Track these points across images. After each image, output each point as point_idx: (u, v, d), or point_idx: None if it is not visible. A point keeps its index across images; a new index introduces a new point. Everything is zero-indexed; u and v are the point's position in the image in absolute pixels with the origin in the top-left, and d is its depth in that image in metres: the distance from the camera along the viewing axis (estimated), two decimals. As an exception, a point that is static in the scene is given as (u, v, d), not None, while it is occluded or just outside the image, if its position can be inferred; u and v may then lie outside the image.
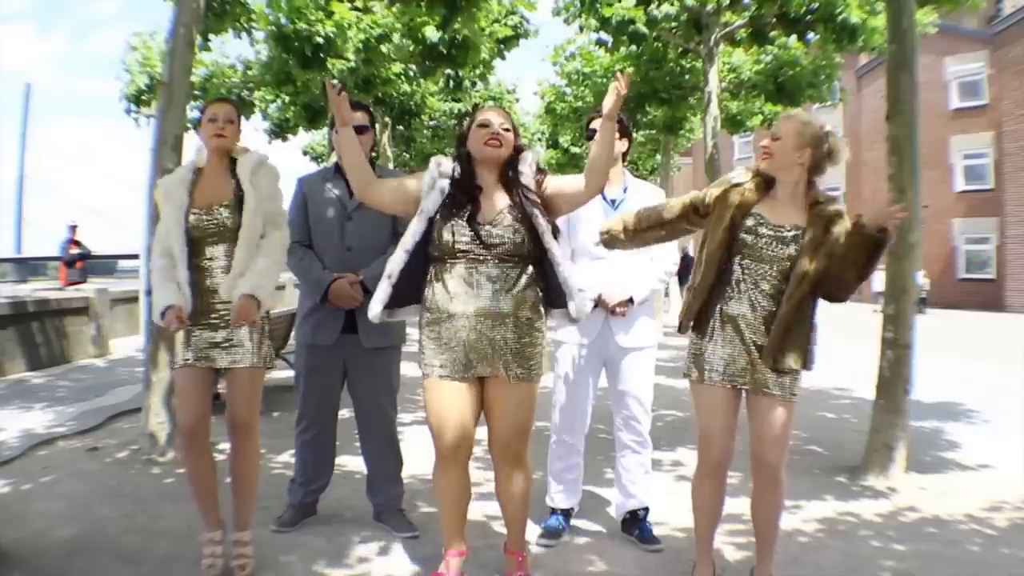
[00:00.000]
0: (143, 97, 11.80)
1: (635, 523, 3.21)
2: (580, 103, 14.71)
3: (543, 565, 2.92)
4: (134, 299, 10.79)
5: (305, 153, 23.29)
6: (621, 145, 3.21)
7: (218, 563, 2.72)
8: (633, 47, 9.90)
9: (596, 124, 2.56)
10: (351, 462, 4.04)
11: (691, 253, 9.08)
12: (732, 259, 2.53)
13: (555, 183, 2.59)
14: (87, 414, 5.70)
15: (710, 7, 9.27)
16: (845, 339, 10.19)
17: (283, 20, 8.66)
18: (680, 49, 10.94)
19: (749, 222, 2.51)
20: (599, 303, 3.11)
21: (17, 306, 8.21)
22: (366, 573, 2.87)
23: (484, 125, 2.55)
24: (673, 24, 9.40)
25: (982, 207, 22.53)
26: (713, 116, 9.74)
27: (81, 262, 13.87)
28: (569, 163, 18.81)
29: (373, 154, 3.35)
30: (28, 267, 27.30)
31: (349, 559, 2.97)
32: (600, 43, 10.20)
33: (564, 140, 18.42)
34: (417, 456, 3.70)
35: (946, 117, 23.05)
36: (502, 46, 10.10)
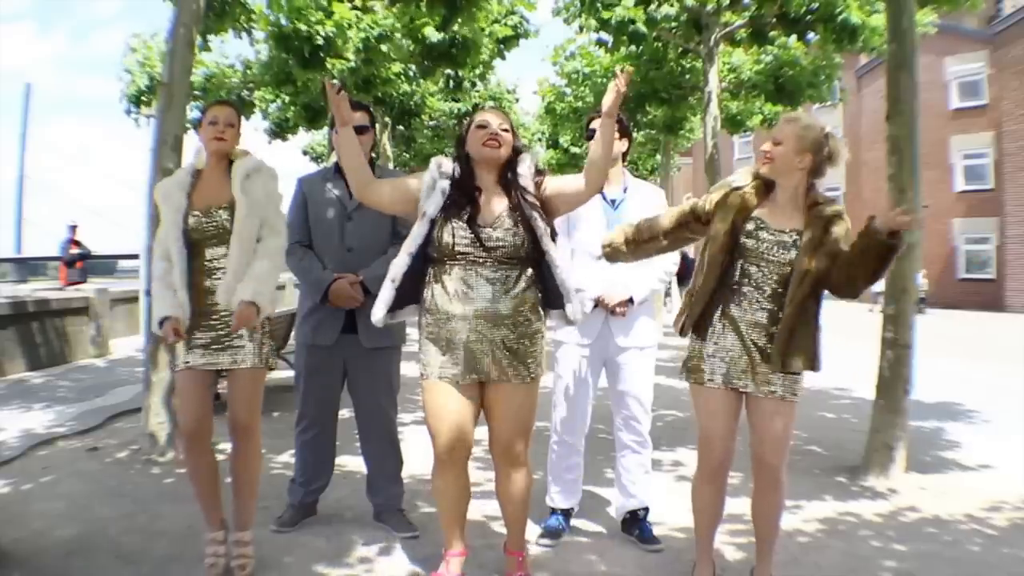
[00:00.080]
0: (143, 97, 11.81)
1: (635, 523, 3.21)
2: (580, 103, 14.72)
3: (543, 565, 2.92)
4: (134, 299, 10.79)
5: (305, 153, 23.31)
6: (621, 145, 3.21)
7: (220, 563, 2.72)
8: (633, 47, 9.91)
9: (596, 124, 2.56)
10: (351, 462, 4.04)
11: (691, 255, 9.08)
12: (734, 263, 2.53)
13: (554, 183, 2.59)
14: (87, 414, 5.70)
15: (710, 7, 9.28)
16: (845, 339, 10.19)
17: (283, 20, 8.66)
18: (680, 49, 10.94)
19: (749, 226, 2.51)
20: (599, 303, 3.11)
21: (17, 306, 8.21)
22: (366, 573, 2.87)
23: (482, 126, 2.55)
24: (673, 24, 9.40)
25: (982, 207, 22.53)
26: (713, 116, 9.74)
27: (81, 262, 13.88)
28: (569, 163, 18.81)
29: (373, 154, 3.35)
30: (28, 267, 27.30)
31: (349, 559, 2.97)
32: (600, 43, 10.20)
33: (564, 140, 18.43)
34: (417, 456, 3.70)
35: (946, 117, 23.05)
36: (502, 46, 10.11)
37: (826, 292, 2.52)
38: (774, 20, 9.16)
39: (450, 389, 2.49)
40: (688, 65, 11.52)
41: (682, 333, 2.61)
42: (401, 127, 16.84)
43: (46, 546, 3.04)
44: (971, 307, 21.47)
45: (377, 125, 3.66)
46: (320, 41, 8.67)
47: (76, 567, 2.84)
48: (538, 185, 2.57)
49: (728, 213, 2.52)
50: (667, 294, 15.19)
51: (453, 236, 2.46)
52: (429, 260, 2.53)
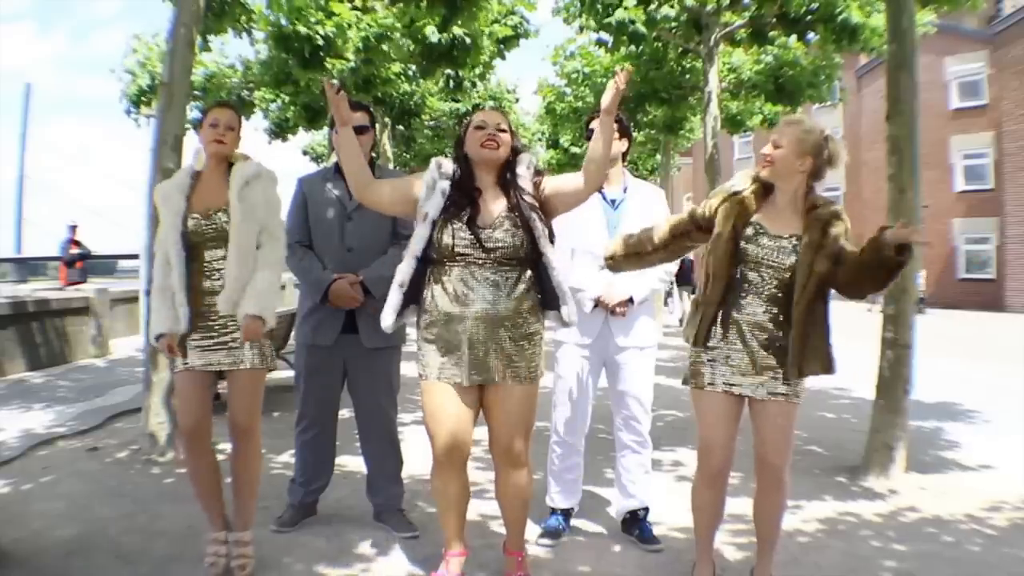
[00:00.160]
0: (143, 97, 11.81)
1: (635, 523, 3.21)
2: (580, 103, 14.71)
3: (543, 565, 2.92)
4: (134, 299, 10.79)
5: (305, 153, 23.32)
6: (621, 145, 3.21)
7: (220, 562, 2.72)
8: (633, 47, 9.89)
9: (596, 124, 2.56)
10: (351, 462, 4.04)
11: (690, 256, 9.09)
12: (735, 268, 2.52)
13: (553, 183, 2.59)
14: (87, 414, 5.70)
15: (710, 7, 9.27)
16: (845, 339, 10.17)
17: (283, 20, 8.66)
18: (680, 49, 10.93)
19: (749, 231, 2.51)
20: (599, 303, 3.11)
21: (17, 306, 8.21)
22: (366, 573, 2.87)
23: (480, 127, 2.55)
24: (673, 24, 9.39)
25: (982, 207, 22.52)
26: (713, 116, 9.73)
27: (81, 262, 13.87)
28: (569, 163, 18.80)
29: (373, 154, 3.35)
30: (28, 267, 27.32)
31: (349, 559, 2.97)
32: (600, 43, 10.19)
33: (564, 140, 18.42)
34: (417, 456, 3.70)
35: (946, 117, 23.04)
36: (502, 46, 10.10)
37: (832, 292, 2.52)
38: (774, 20, 9.15)
39: (449, 390, 2.49)
40: (688, 65, 11.51)
41: (695, 344, 2.57)
42: (401, 127, 16.83)
43: (46, 546, 3.04)
44: (971, 307, 21.47)
45: (377, 125, 3.66)
46: (320, 41, 8.67)
47: (76, 567, 2.84)
48: (537, 185, 2.57)
49: (728, 219, 2.51)
50: (668, 294, 15.20)
51: (453, 237, 2.46)
52: (428, 261, 2.53)
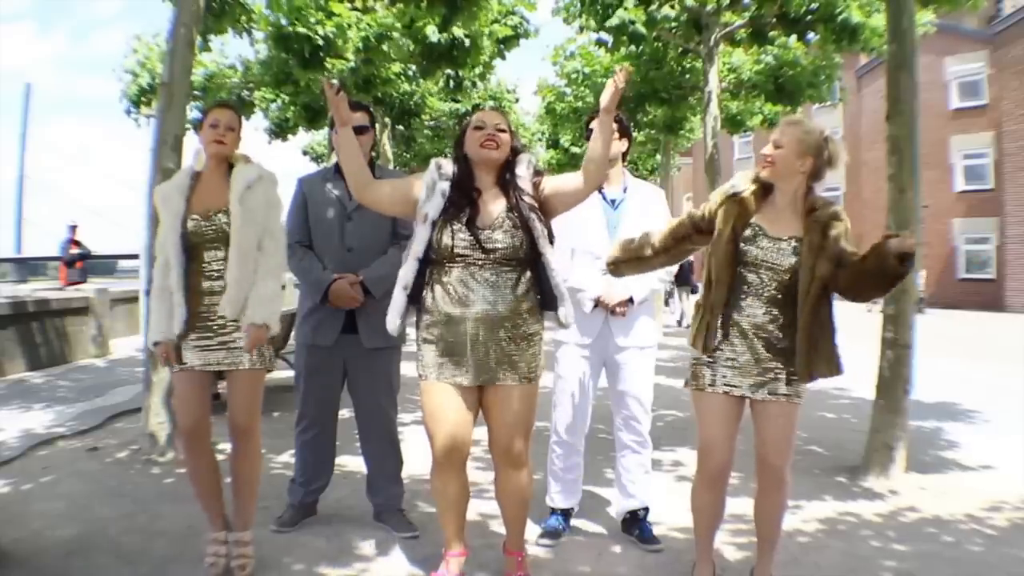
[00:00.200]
0: (143, 97, 11.81)
1: (635, 523, 3.21)
2: (580, 103, 14.71)
3: (543, 565, 2.92)
4: (134, 299, 10.79)
5: (305, 153, 23.31)
6: (621, 145, 3.21)
7: (220, 562, 2.72)
8: (633, 47, 9.90)
9: (596, 124, 2.56)
10: (351, 462, 4.04)
11: (690, 257, 9.12)
12: (736, 269, 2.52)
13: (552, 183, 2.59)
14: (87, 414, 5.70)
15: (710, 7, 9.27)
16: (845, 339, 10.16)
17: (283, 20, 8.66)
18: (680, 49, 10.94)
19: (748, 233, 2.51)
20: (599, 303, 3.11)
21: (17, 306, 8.22)
22: (366, 573, 2.87)
23: (479, 127, 2.55)
24: (673, 24, 9.40)
25: (982, 207, 22.52)
26: (713, 116, 9.73)
27: (81, 262, 13.87)
28: (569, 163, 18.80)
29: (373, 153, 3.35)
30: (28, 267, 27.32)
31: (349, 559, 2.97)
32: (600, 43, 10.20)
33: (564, 140, 18.42)
34: (417, 456, 3.70)
35: (946, 117, 23.04)
36: (502, 46, 10.10)
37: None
38: (774, 20, 9.15)
39: (448, 391, 2.49)
40: (688, 65, 11.51)
41: (706, 350, 2.55)
42: (401, 127, 16.83)
43: (46, 546, 3.04)
44: (971, 307, 21.47)
45: (377, 125, 3.66)
46: (320, 41, 8.67)
47: (76, 567, 2.84)
48: (536, 186, 2.57)
49: (728, 220, 2.51)
50: (669, 294, 15.20)
51: (452, 238, 2.46)
52: (427, 262, 2.53)
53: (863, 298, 2.49)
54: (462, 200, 2.51)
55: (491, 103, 16.49)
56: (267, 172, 2.81)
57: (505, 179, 2.56)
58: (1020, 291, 21.05)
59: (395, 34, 9.48)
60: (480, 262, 2.46)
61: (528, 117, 20.80)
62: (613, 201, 3.20)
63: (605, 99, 2.35)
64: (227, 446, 2.85)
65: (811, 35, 9.30)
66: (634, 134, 4.17)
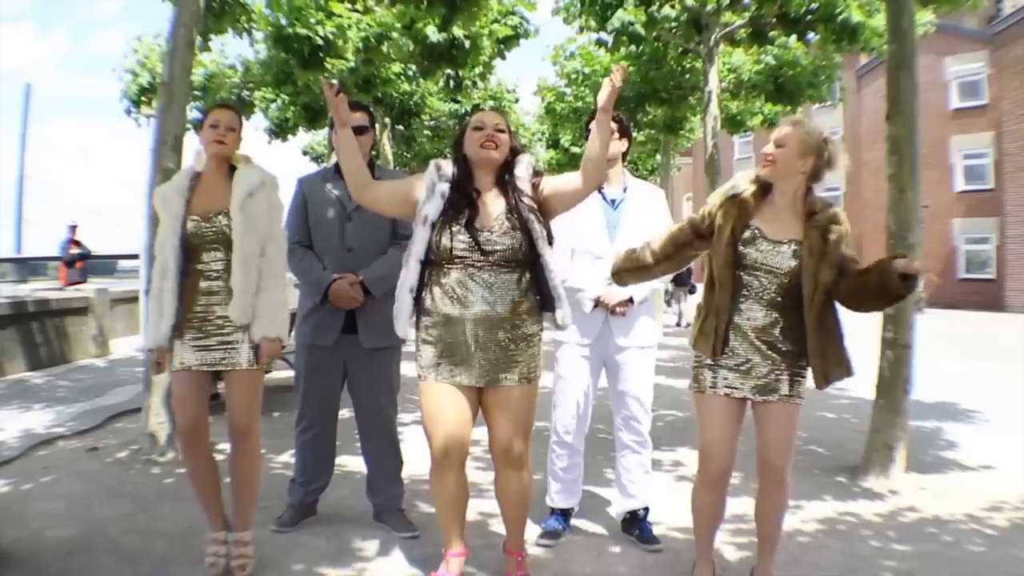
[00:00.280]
0: (144, 97, 11.80)
1: (635, 523, 3.21)
2: (580, 103, 14.72)
3: (543, 565, 2.92)
4: (134, 299, 10.79)
5: (305, 153, 23.31)
6: (621, 145, 3.21)
7: (220, 562, 2.72)
8: (633, 47, 9.90)
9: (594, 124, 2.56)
10: (351, 462, 4.04)
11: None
12: (736, 272, 2.52)
13: (551, 183, 2.58)
14: (87, 414, 5.70)
15: (710, 7, 9.28)
16: (845, 339, 10.18)
17: (283, 21, 8.66)
18: (680, 49, 10.94)
19: (747, 234, 2.50)
20: (599, 303, 3.11)
21: (17, 306, 8.22)
22: (366, 573, 2.87)
23: (478, 128, 2.55)
24: (673, 24, 9.40)
25: (982, 207, 22.51)
26: (713, 116, 9.73)
27: (81, 262, 13.87)
28: (569, 163, 18.80)
29: (373, 153, 3.35)
30: (28, 267, 27.33)
31: (349, 559, 2.97)
32: (600, 43, 10.20)
33: (564, 140, 18.43)
34: (417, 456, 3.69)
35: (946, 117, 23.03)
36: (502, 46, 10.10)
37: None
38: (774, 20, 9.16)
39: (447, 391, 2.49)
40: (688, 65, 11.51)
41: (713, 355, 2.54)
42: (401, 127, 16.83)
43: (46, 546, 3.04)
44: (971, 307, 21.46)
45: (376, 125, 3.66)
46: (320, 41, 8.67)
47: (76, 567, 2.84)
48: (535, 186, 2.56)
49: (726, 223, 2.51)
50: (669, 294, 15.19)
51: (451, 240, 2.45)
52: (427, 263, 2.53)
53: (863, 309, 2.50)
54: (461, 201, 2.51)
55: (491, 103, 16.48)
56: (269, 176, 2.81)
57: (504, 180, 2.56)
58: (1020, 291, 21.05)
59: (395, 34, 9.48)
60: (479, 264, 2.46)
61: (528, 117, 20.80)
62: (613, 201, 3.20)
63: (602, 99, 2.35)
64: (227, 446, 2.85)
65: (811, 35, 9.30)
66: (634, 134, 4.17)
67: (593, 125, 2.46)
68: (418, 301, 2.54)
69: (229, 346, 2.69)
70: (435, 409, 2.50)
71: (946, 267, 23.32)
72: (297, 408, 3.31)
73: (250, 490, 2.81)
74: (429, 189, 2.53)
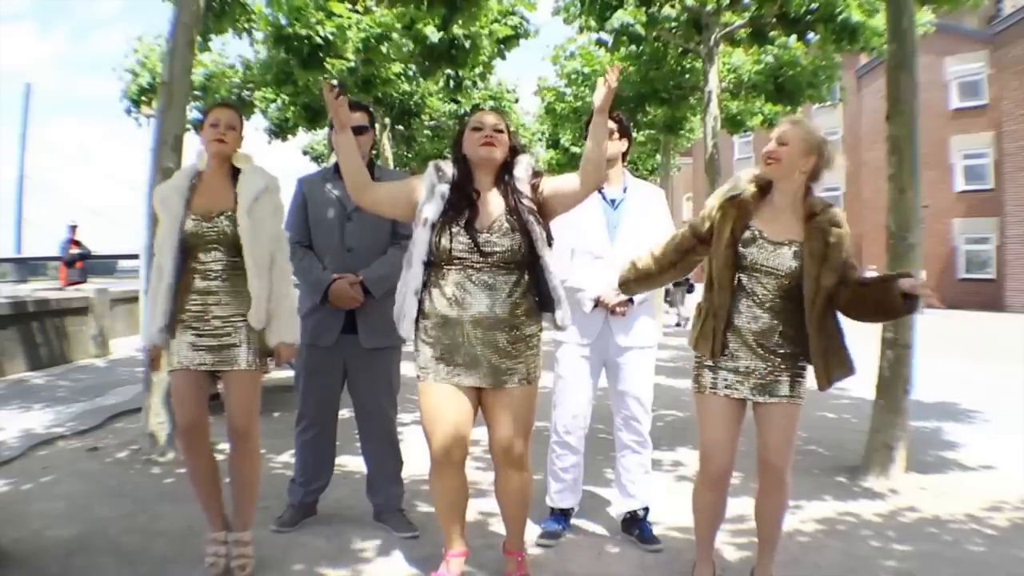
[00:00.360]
0: (144, 97, 11.80)
1: (635, 523, 3.21)
2: (580, 103, 14.71)
3: (543, 565, 2.92)
4: (134, 299, 10.80)
5: (305, 153, 23.31)
6: (621, 145, 3.21)
7: (220, 562, 2.72)
8: (633, 47, 9.90)
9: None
10: (351, 462, 4.04)
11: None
12: (735, 273, 2.52)
13: (551, 184, 2.58)
14: (87, 414, 5.70)
15: (710, 7, 9.27)
16: (846, 339, 10.18)
17: (283, 20, 8.66)
18: (680, 49, 10.93)
19: (747, 235, 2.50)
20: (599, 303, 3.11)
21: (17, 306, 8.22)
22: (366, 573, 2.87)
23: (477, 128, 2.54)
24: (673, 24, 9.40)
25: (982, 207, 22.52)
26: (713, 116, 9.73)
27: (81, 262, 13.87)
28: (569, 163, 18.78)
29: (373, 152, 3.35)
30: (28, 267, 27.34)
31: (349, 559, 2.97)
32: (600, 43, 10.20)
33: (564, 140, 18.42)
34: (417, 456, 3.69)
35: (946, 117, 23.04)
36: (502, 46, 10.09)
37: None
38: (774, 20, 9.15)
39: (446, 391, 2.49)
40: (688, 65, 11.50)
41: (714, 355, 2.54)
42: (401, 127, 16.81)
43: (46, 546, 3.04)
44: (971, 307, 21.46)
45: (376, 125, 3.66)
46: (320, 41, 8.67)
47: (76, 567, 2.84)
48: (535, 187, 2.56)
49: (725, 225, 2.51)
50: (670, 296, 15.19)
51: (451, 241, 2.45)
52: (426, 264, 2.52)
53: (861, 320, 2.52)
54: (461, 202, 2.50)
55: (491, 103, 16.46)
56: (271, 179, 2.81)
57: (504, 180, 2.56)
58: (1020, 291, 21.05)
59: (395, 34, 9.48)
60: (478, 265, 2.46)
61: (528, 117, 20.78)
62: (613, 201, 3.20)
63: (598, 99, 2.34)
64: (227, 446, 2.85)
65: (811, 35, 9.29)
66: (634, 134, 4.17)
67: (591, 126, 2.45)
68: (418, 302, 2.55)
69: (227, 346, 2.69)
70: (435, 409, 2.50)
71: (946, 267, 23.33)
72: (297, 408, 3.31)
73: (250, 490, 2.81)
74: (428, 190, 2.52)
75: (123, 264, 26.15)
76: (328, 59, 9.10)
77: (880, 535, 3.33)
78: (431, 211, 2.48)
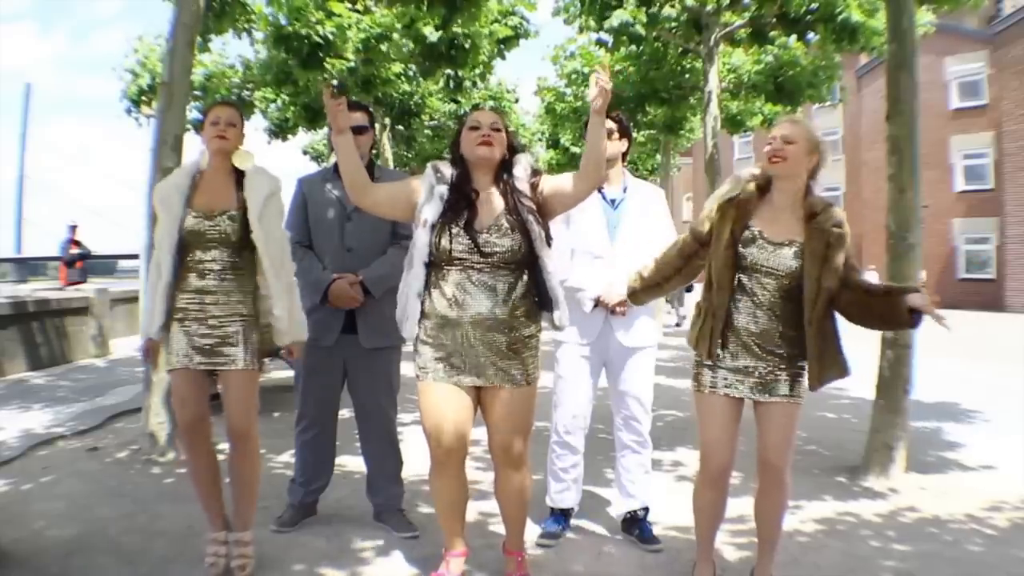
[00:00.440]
0: (144, 97, 11.80)
1: (635, 523, 3.21)
2: (580, 103, 14.70)
3: (543, 565, 2.92)
4: (134, 299, 10.79)
5: (305, 153, 23.29)
6: (621, 145, 3.21)
7: (220, 562, 2.72)
8: (633, 47, 9.90)
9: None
10: (351, 462, 4.04)
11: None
12: (735, 273, 2.52)
13: (551, 184, 2.58)
14: (87, 414, 5.70)
15: (710, 7, 9.27)
16: (846, 339, 10.18)
17: (283, 20, 8.66)
18: (680, 49, 10.93)
19: (747, 235, 2.50)
20: (599, 303, 3.11)
21: (17, 306, 8.22)
22: (366, 573, 2.87)
23: (474, 127, 2.54)
24: (673, 24, 9.40)
25: (982, 207, 22.52)
26: (713, 116, 9.73)
27: (81, 262, 13.87)
28: (569, 163, 18.77)
29: (373, 153, 3.35)
30: (28, 267, 27.37)
31: (349, 559, 2.97)
32: (600, 43, 10.20)
33: (564, 140, 18.41)
34: (417, 456, 3.69)
35: (946, 117, 23.04)
36: (502, 46, 10.09)
37: None
38: (774, 20, 9.15)
39: (446, 390, 2.49)
40: (688, 65, 11.50)
41: (710, 356, 2.55)
42: (401, 127, 16.81)
43: (46, 546, 3.04)
44: (971, 307, 21.43)
45: (376, 125, 3.66)
46: (320, 41, 8.67)
47: (76, 567, 2.84)
48: (534, 187, 2.56)
49: (726, 224, 2.51)
50: (671, 303, 15.19)
51: (451, 242, 2.45)
52: (426, 264, 2.52)
53: (862, 325, 2.52)
54: (460, 203, 2.50)
55: (491, 103, 16.47)
56: (275, 182, 2.82)
57: (503, 180, 2.55)
58: (1020, 291, 21.05)
59: (395, 34, 9.48)
60: (477, 265, 2.45)
61: (528, 117, 20.77)
62: (613, 201, 3.20)
63: (594, 101, 2.31)
64: (227, 446, 2.85)
65: (811, 35, 9.29)
66: (634, 134, 4.16)
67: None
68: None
69: (224, 346, 2.69)
70: (434, 409, 2.50)
71: (946, 267, 23.33)
72: (297, 408, 3.31)
73: (250, 490, 2.81)
74: (428, 191, 2.52)
75: (123, 264, 26.18)
76: (328, 59, 9.11)
77: (880, 535, 3.33)
78: (430, 212, 2.48)
